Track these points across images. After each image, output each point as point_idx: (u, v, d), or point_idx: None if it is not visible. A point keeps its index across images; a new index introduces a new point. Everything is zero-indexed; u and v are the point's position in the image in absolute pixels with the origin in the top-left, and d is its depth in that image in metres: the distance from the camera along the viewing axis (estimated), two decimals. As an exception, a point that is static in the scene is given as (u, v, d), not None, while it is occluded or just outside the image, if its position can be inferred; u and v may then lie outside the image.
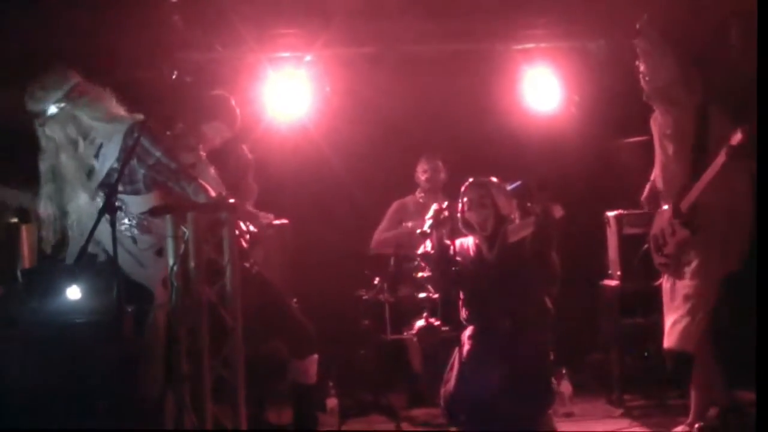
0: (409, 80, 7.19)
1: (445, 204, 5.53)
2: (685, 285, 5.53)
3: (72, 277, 4.36)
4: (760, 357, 4.14)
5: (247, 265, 5.20)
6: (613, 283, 6.80)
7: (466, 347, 5.25)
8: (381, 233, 7.33)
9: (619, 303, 6.78)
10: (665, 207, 5.78)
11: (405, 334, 6.53)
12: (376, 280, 6.80)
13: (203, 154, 5.43)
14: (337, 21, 6.30)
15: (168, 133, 5.11)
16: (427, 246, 5.47)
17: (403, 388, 6.93)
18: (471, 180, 5.67)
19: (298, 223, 6.18)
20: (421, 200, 7.34)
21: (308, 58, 6.88)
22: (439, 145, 7.41)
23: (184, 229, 4.37)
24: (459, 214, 5.61)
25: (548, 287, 5.49)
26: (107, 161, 4.67)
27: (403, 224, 7.08)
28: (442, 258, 5.39)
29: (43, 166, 4.80)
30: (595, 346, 7.24)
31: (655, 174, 5.94)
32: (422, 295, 5.93)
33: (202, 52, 6.49)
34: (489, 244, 5.54)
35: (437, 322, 5.25)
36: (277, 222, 5.84)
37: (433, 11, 6.31)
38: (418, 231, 5.50)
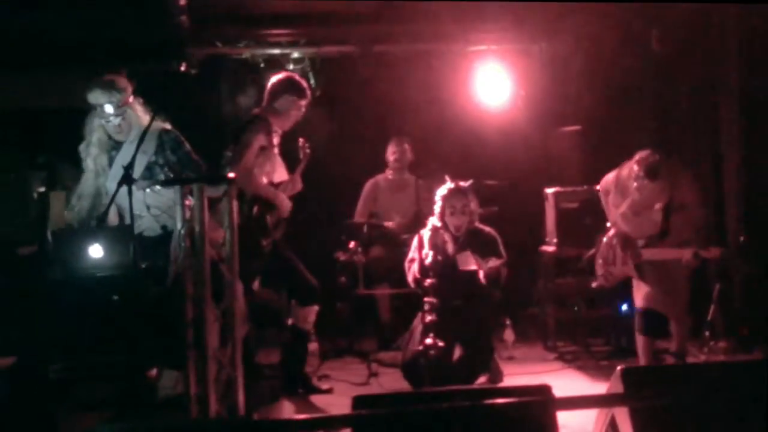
0: (382, 75, 7.16)
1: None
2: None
3: (94, 238, 4.33)
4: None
5: (264, 243, 5.31)
6: (550, 249, 6.83)
7: (428, 318, 5.26)
8: (359, 213, 7.30)
9: (555, 266, 6.83)
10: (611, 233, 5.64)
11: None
12: (351, 244, 6.80)
13: (276, 140, 5.45)
14: (321, 23, 6.27)
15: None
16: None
17: (373, 334, 6.94)
18: (452, 187, 5.70)
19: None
20: (390, 177, 7.32)
21: (296, 54, 6.82)
22: (406, 130, 7.38)
23: (190, 198, 4.32)
24: (438, 216, 5.67)
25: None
26: (143, 156, 4.66)
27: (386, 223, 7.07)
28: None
29: (83, 151, 4.82)
30: (533, 302, 7.28)
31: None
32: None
33: (205, 48, 6.42)
34: (455, 240, 5.61)
35: (441, 344, 5.21)
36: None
37: (403, 17, 6.29)
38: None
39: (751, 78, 6.40)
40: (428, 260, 5.47)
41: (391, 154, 7.30)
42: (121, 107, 4.71)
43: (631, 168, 5.41)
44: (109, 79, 4.74)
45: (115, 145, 4.83)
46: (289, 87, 5.51)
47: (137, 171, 4.53)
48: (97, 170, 4.81)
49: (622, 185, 5.54)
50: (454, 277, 5.50)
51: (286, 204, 5.52)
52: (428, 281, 5.36)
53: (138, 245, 4.30)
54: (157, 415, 4.40)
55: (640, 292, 5.42)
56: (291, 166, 5.68)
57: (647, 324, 5.37)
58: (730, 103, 6.59)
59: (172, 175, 4.78)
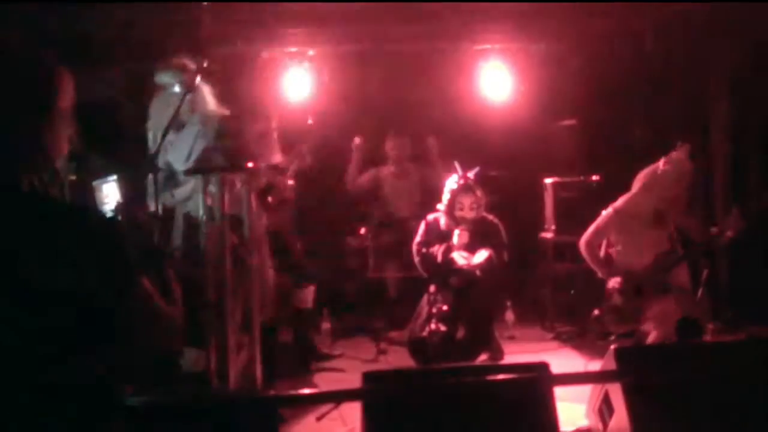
0: (390, 72, 7.13)
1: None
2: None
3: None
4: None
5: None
6: (549, 235, 6.84)
7: (434, 308, 5.26)
8: (353, 177, 7.18)
9: (553, 251, 6.83)
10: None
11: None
12: (362, 230, 6.81)
13: (274, 124, 5.36)
14: (333, 24, 6.24)
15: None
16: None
17: (382, 314, 6.95)
18: (462, 183, 5.61)
19: (303, 185, 6.13)
20: (392, 167, 7.28)
21: (311, 52, 6.80)
22: (413, 125, 7.36)
23: (212, 186, 4.32)
24: (445, 209, 5.61)
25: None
26: (203, 141, 4.50)
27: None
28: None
29: (149, 131, 4.63)
30: (532, 284, 7.28)
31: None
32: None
33: (227, 46, 6.40)
34: (464, 227, 5.56)
35: (443, 328, 5.20)
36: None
37: (410, 17, 6.26)
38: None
39: (742, 77, 6.36)
40: (432, 248, 5.47)
41: (390, 149, 7.22)
42: (187, 89, 4.43)
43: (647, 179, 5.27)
44: (178, 60, 4.58)
45: (179, 127, 4.57)
46: None
47: (194, 155, 4.45)
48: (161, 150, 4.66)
49: (629, 212, 5.30)
50: (454, 266, 5.50)
51: (289, 187, 5.49)
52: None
53: (187, 226, 4.27)
54: (181, 387, 4.41)
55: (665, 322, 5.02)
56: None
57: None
58: (720, 103, 6.55)
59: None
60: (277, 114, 5.49)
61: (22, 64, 1.86)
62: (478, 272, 5.46)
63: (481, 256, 5.46)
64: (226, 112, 4.67)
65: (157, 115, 4.51)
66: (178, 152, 4.49)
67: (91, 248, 1.77)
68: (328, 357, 5.81)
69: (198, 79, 4.44)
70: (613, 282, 5.21)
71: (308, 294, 5.75)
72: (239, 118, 4.77)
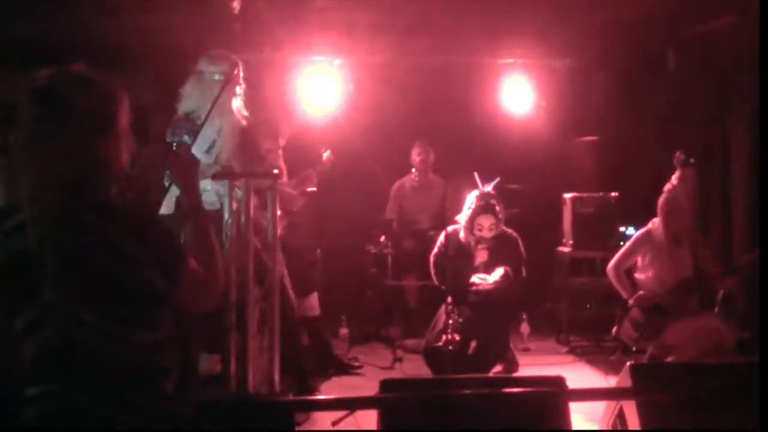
0: (415, 83, 7.13)
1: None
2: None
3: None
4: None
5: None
6: (566, 249, 6.81)
7: (450, 319, 5.24)
8: (390, 211, 7.28)
9: (570, 265, 6.79)
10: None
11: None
12: (382, 238, 6.80)
13: (282, 142, 5.47)
14: (359, 33, 6.25)
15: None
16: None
17: (400, 322, 6.94)
18: (481, 204, 5.53)
19: (324, 192, 6.14)
20: (415, 178, 7.29)
21: (337, 61, 6.81)
22: (435, 136, 7.35)
23: (238, 191, 4.33)
24: (465, 225, 5.57)
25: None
26: (221, 138, 4.48)
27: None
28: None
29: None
30: (549, 298, 7.25)
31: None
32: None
33: (256, 53, 6.42)
34: (484, 245, 5.52)
35: (458, 338, 5.19)
36: (309, 190, 5.80)
37: (436, 30, 6.26)
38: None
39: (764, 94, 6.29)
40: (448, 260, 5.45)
41: (416, 155, 7.27)
42: (227, 78, 4.37)
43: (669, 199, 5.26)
44: (223, 51, 4.57)
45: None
46: None
47: (214, 150, 4.44)
48: None
49: (657, 236, 5.25)
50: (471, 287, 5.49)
51: (293, 198, 5.52)
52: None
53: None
54: (200, 391, 4.42)
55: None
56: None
57: None
58: (741, 124, 6.48)
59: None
60: (288, 133, 5.53)
61: (90, 88, 2.00)
62: (493, 289, 5.42)
63: (497, 273, 5.44)
64: (251, 117, 4.65)
65: (192, 99, 4.45)
66: (200, 141, 4.38)
67: (149, 242, 1.97)
68: (349, 367, 5.80)
69: (239, 76, 4.46)
70: (636, 298, 5.18)
71: (313, 301, 5.76)
72: (260, 126, 4.78)
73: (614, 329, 5.36)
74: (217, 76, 4.43)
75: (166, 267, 1.99)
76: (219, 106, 4.36)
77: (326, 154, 5.93)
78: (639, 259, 5.31)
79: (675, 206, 5.21)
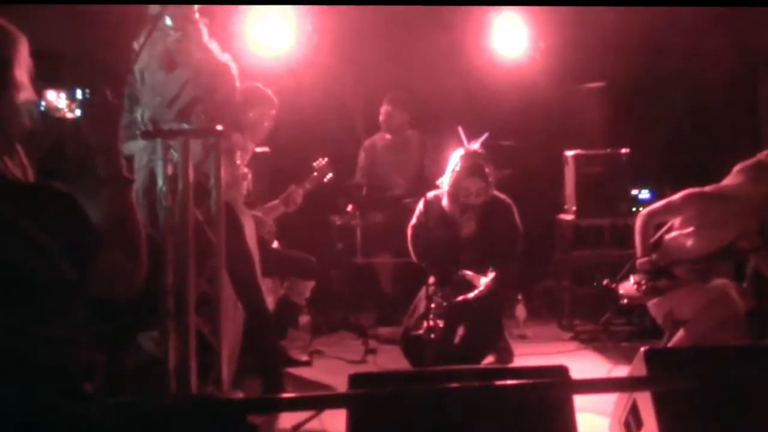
0: (388, 28, 7.08)
1: None
2: None
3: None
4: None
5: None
6: (569, 217, 6.82)
7: (432, 304, 5.23)
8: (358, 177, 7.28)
9: (573, 236, 6.80)
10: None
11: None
12: (349, 207, 6.78)
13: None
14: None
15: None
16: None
17: (371, 308, 6.94)
18: (468, 166, 5.46)
19: (279, 151, 6.10)
20: (388, 137, 7.26)
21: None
22: (412, 85, 7.31)
23: (173, 152, 4.27)
24: (448, 191, 5.53)
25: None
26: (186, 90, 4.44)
27: None
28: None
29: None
30: (548, 275, 7.28)
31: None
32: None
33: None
34: (471, 213, 5.50)
35: (441, 324, 5.18)
36: (258, 150, 5.75)
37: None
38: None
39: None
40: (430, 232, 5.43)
41: (384, 113, 7.23)
42: (182, 22, 4.35)
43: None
44: None
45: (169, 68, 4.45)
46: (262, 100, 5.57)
47: (178, 103, 4.39)
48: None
49: (722, 199, 5.11)
50: (457, 254, 5.47)
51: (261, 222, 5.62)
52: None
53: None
54: (133, 389, 4.40)
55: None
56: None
57: None
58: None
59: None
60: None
61: None
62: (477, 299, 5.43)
63: (486, 279, 5.42)
64: (229, 61, 4.58)
65: (145, 52, 4.34)
66: (161, 91, 4.40)
67: (52, 227, 1.92)
68: (297, 363, 5.78)
69: (196, 14, 4.41)
70: (643, 262, 5.18)
71: (304, 288, 5.78)
72: (221, 73, 4.68)
73: (605, 281, 5.36)
74: (169, 20, 4.37)
75: (76, 253, 1.96)
76: (182, 50, 4.37)
77: (318, 163, 6.01)
78: (682, 218, 5.27)
79: (763, 173, 5.04)
